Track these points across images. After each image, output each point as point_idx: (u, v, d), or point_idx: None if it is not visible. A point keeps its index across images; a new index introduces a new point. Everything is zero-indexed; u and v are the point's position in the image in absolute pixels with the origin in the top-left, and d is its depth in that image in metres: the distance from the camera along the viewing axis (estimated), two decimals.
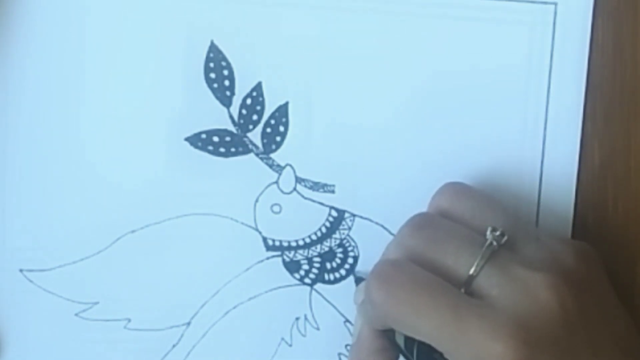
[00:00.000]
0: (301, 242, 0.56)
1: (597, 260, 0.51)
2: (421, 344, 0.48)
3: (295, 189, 0.56)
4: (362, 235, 0.56)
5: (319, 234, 0.56)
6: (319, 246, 0.56)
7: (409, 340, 0.50)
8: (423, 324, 0.47)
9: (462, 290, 0.47)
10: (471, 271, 0.47)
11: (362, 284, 0.52)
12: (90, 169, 0.55)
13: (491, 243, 0.48)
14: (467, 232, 0.49)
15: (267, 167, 0.55)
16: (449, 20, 0.54)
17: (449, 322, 0.46)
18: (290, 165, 0.55)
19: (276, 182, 0.56)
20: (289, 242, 0.56)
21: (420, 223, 0.50)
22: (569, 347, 0.46)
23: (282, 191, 0.56)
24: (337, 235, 0.56)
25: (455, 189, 0.52)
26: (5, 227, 0.56)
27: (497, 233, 0.48)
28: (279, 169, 0.55)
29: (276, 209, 0.56)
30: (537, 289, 0.46)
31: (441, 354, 0.47)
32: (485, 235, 0.48)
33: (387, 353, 0.52)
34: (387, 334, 0.51)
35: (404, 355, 0.51)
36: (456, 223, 0.50)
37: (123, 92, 0.55)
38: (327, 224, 0.56)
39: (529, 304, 0.46)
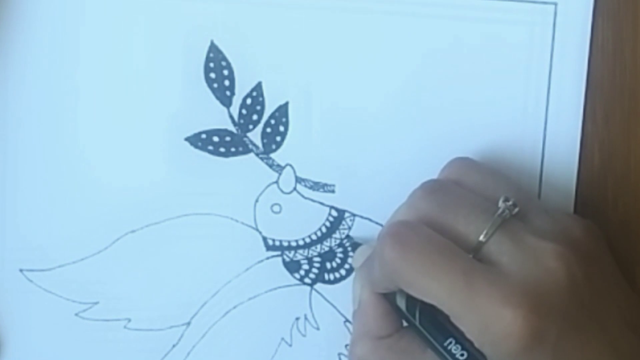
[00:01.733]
0: (301, 242, 0.56)
1: (602, 236, 0.52)
2: (424, 307, 0.49)
3: (295, 188, 0.56)
4: (362, 235, 0.56)
5: (319, 233, 0.56)
6: (319, 246, 0.56)
7: (410, 303, 0.50)
8: (434, 286, 0.47)
9: (471, 256, 0.47)
10: (481, 237, 0.47)
11: (361, 248, 0.54)
12: (90, 168, 0.55)
13: (503, 211, 0.48)
14: (479, 200, 0.49)
15: (267, 167, 0.55)
16: (449, 20, 0.54)
17: (460, 286, 0.46)
18: (290, 165, 0.55)
19: (276, 182, 0.56)
20: (289, 242, 0.56)
21: (434, 187, 0.50)
22: (576, 317, 0.46)
23: (282, 191, 0.56)
24: (337, 235, 0.56)
25: (464, 162, 0.52)
26: (5, 227, 0.56)
27: (510, 203, 0.48)
28: (279, 168, 0.55)
29: (276, 208, 0.56)
30: (547, 259, 0.47)
31: (445, 316, 0.47)
32: (496, 204, 0.48)
33: (391, 317, 0.51)
34: (388, 297, 0.51)
35: (406, 319, 0.51)
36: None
37: (123, 92, 0.55)
38: (327, 224, 0.56)
39: (538, 272, 0.46)
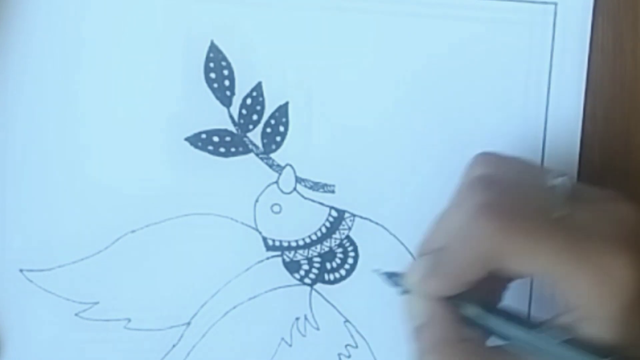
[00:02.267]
0: (301, 242, 0.56)
1: None
2: (499, 312, 0.49)
3: (295, 189, 0.56)
4: (361, 236, 0.56)
5: (319, 234, 0.56)
6: (319, 246, 0.56)
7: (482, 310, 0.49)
8: (541, 250, 0.46)
9: None
10: (560, 212, 0.47)
11: (413, 263, 0.50)
12: (90, 168, 0.55)
13: (566, 184, 0.48)
14: (532, 185, 0.49)
15: (267, 167, 0.55)
16: (449, 20, 0.54)
17: (567, 245, 0.46)
18: (290, 165, 0.56)
19: (276, 182, 0.56)
20: (289, 242, 0.56)
21: (490, 179, 0.49)
22: None
23: (282, 191, 0.56)
24: (337, 236, 0.56)
25: (491, 157, 0.51)
26: (5, 227, 0.56)
27: (565, 177, 0.48)
28: (279, 169, 0.55)
29: (276, 208, 0.56)
30: (623, 213, 0.48)
31: (519, 319, 0.48)
32: (551, 185, 0.48)
33: (474, 342, 0.49)
34: (455, 305, 0.49)
35: (476, 326, 0.49)
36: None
37: (122, 92, 0.55)
38: (327, 224, 0.56)
39: (624, 226, 0.47)
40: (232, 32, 0.55)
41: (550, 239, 0.46)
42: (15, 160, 0.55)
